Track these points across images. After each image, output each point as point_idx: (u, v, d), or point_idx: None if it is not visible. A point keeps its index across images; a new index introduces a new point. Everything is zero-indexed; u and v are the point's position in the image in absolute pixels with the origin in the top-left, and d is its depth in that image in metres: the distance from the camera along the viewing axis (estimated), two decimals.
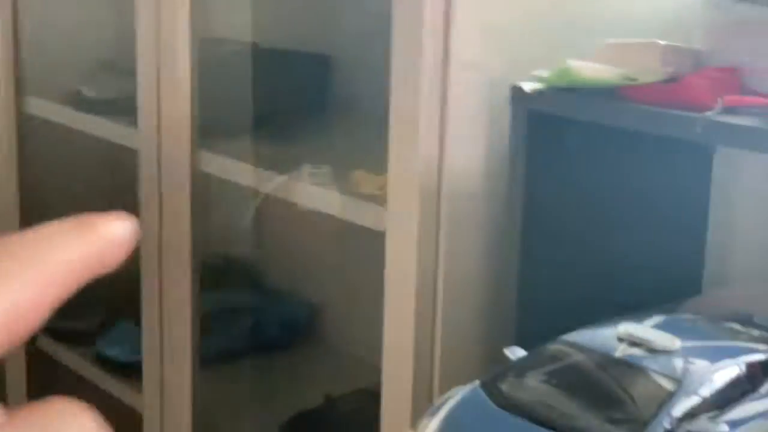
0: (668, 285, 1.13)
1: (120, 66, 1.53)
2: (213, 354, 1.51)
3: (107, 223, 0.29)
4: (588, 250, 1.13)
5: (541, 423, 0.73)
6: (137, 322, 1.57)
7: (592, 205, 1.13)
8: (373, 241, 1.14)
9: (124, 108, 1.55)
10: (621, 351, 0.77)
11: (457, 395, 0.77)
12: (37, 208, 1.83)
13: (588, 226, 1.12)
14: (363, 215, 1.20)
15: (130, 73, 1.50)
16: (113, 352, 1.69)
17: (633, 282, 1.12)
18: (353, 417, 1.25)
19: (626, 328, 0.79)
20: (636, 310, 0.87)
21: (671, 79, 0.99)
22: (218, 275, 1.57)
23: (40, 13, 1.79)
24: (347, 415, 1.32)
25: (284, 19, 1.67)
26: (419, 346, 1.10)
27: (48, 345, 1.82)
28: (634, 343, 0.78)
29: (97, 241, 0.29)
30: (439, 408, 0.76)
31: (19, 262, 0.26)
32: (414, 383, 1.11)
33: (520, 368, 0.80)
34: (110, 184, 1.79)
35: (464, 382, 0.79)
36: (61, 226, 0.28)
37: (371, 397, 1.17)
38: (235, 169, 1.43)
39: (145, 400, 1.55)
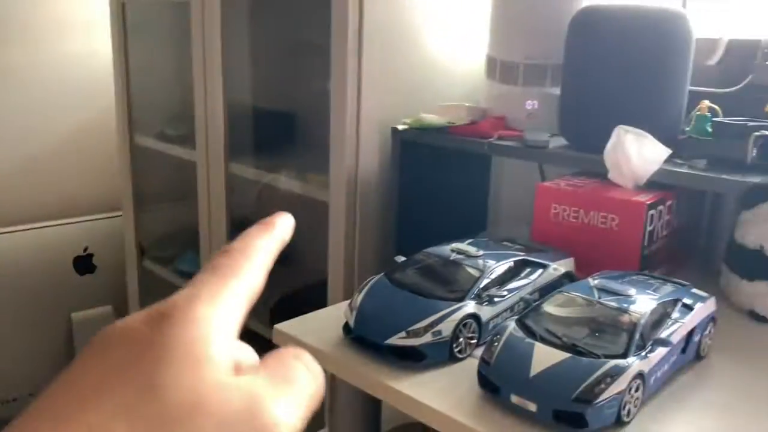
0: (472, 224, 1.21)
1: (188, 113, 1.49)
2: None
3: (282, 220, 0.30)
4: (433, 209, 1.17)
5: (414, 292, 0.72)
6: (197, 252, 1.57)
7: (434, 185, 1.17)
8: (323, 207, 1.18)
9: (188, 139, 1.54)
10: (453, 256, 0.76)
11: (373, 279, 0.76)
12: (142, 197, 1.79)
13: (432, 197, 1.17)
14: (318, 194, 1.23)
15: (192, 119, 1.50)
16: (185, 267, 1.68)
17: (455, 224, 1.18)
18: (314, 297, 1.19)
19: (455, 244, 0.79)
20: (457, 237, 0.85)
21: (471, 123, 1.06)
22: (240, 226, 1.56)
23: (138, 74, 1.74)
24: (311, 295, 1.27)
25: (269, 88, 1.64)
26: (347, 257, 1.14)
27: (149, 265, 1.82)
28: (459, 251, 0.77)
29: (281, 232, 0.29)
30: (363, 287, 0.75)
31: (252, 259, 0.25)
32: (345, 278, 1.14)
33: (403, 265, 0.78)
34: (179, 185, 1.74)
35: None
36: (260, 229, 0.28)
37: (324, 286, 1.20)
38: (248, 172, 1.45)
39: None
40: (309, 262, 1.35)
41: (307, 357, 0.23)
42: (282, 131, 1.57)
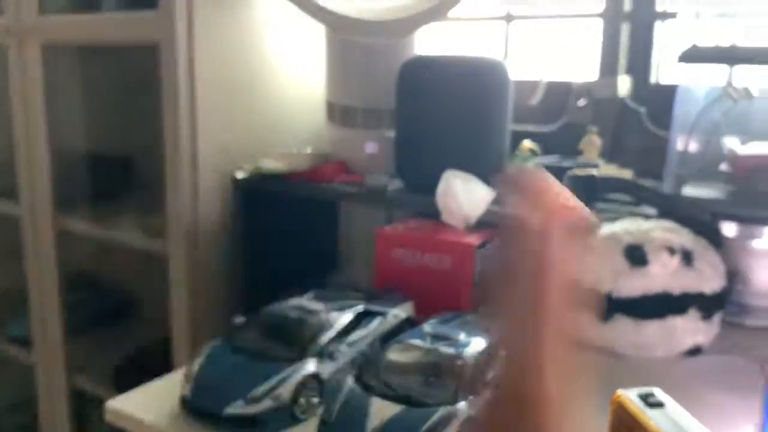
0: (324, 269, 1.22)
1: (12, 164, 1.38)
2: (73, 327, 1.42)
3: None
4: (282, 256, 1.16)
5: (253, 355, 0.72)
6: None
7: (282, 232, 1.17)
8: (165, 260, 1.15)
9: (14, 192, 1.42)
10: (293, 314, 0.77)
11: (210, 345, 0.76)
12: None
13: (280, 244, 1.16)
14: (159, 246, 1.17)
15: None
16: (18, 332, 1.54)
17: (306, 270, 1.16)
18: (161, 355, 1.16)
19: (295, 301, 0.80)
20: (302, 285, 0.86)
21: (313, 168, 1.09)
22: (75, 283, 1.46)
23: None
24: (157, 353, 1.22)
25: (104, 133, 1.54)
26: (192, 313, 1.12)
27: None
28: (300, 308, 0.78)
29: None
30: (200, 354, 0.75)
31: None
32: (190, 335, 1.12)
33: (242, 327, 0.78)
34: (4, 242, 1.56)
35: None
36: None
37: (168, 345, 1.16)
38: (81, 225, 1.35)
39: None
40: (155, 317, 1.30)
41: None
42: (119, 178, 1.50)
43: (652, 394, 0.55)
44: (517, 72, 1.09)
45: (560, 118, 1.15)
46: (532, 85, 1.21)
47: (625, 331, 0.83)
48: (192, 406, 0.72)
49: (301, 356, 0.73)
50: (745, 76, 0.91)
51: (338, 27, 1.09)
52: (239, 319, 0.80)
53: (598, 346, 0.86)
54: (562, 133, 1.13)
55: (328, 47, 1.14)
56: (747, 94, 0.90)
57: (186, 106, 1.07)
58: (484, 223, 0.94)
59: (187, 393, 0.72)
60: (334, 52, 1.14)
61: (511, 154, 1.03)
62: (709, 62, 0.87)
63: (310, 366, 0.72)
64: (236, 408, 0.69)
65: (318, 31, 1.16)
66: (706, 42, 0.90)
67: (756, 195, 0.88)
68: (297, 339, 0.74)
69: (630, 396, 0.54)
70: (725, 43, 0.91)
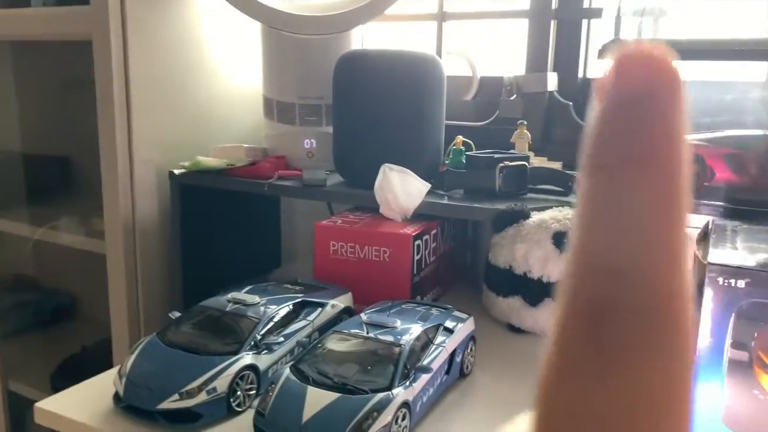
0: (265, 264, 1.20)
1: None
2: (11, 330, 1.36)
3: None
4: (222, 253, 1.15)
5: (188, 350, 0.70)
6: None
7: (221, 228, 1.14)
8: (103, 260, 1.12)
9: None
10: (229, 307, 0.75)
11: (143, 341, 0.72)
12: None
13: (220, 240, 1.14)
14: (97, 245, 1.15)
15: None
16: None
17: (247, 266, 1.16)
18: (100, 357, 1.13)
19: (232, 294, 0.78)
20: (244, 281, 0.84)
21: (251, 163, 1.06)
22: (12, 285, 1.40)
23: None
24: (95, 358, 1.20)
25: (40, 132, 1.50)
26: (131, 313, 1.09)
27: None
28: (236, 301, 0.76)
29: None
30: (134, 350, 0.72)
31: None
32: (129, 335, 1.09)
33: (177, 322, 0.75)
34: None
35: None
36: None
37: (109, 344, 1.13)
38: (16, 226, 1.30)
39: None
40: (97, 318, 1.27)
41: None
42: (57, 178, 1.45)
43: None
44: (451, 68, 1.10)
45: (493, 113, 1.16)
46: (468, 81, 1.22)
47: None
48: (125, 403, 0.69)
49: (237, 349, 0.71)
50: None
51: (273, 23, 1.07)
52: (174, 314, 0.77)
53: (527, 329, 0.87)
54: (495, 127, 1.14)
55: (265, 43, 1.12)
56: None
57: (120, 103, 1.04)
58: (421, 215, 0.94)
59: (120, 390, 0.69)
60: (270, 48, 1.12)
61: (448, 148, 1.03)
62: None
63: (247, 358, 0.71)
64: (170, 403, 0.66)
65: (255, 27, 1.14)
66: (628, 37, 0.93)
67: None
68: (233, 332, 0.72)
69: None
70: (646, 37, 0.93)
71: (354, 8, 1.02)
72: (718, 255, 0.63)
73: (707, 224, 0.75)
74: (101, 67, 1.03)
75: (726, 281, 0.60)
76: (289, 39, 1.09)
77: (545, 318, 0.86)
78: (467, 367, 0.79)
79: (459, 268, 1.11)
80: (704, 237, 0.69)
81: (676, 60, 0.16)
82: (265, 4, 1.06)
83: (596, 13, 1.09)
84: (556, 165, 1.01)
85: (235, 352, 0.70)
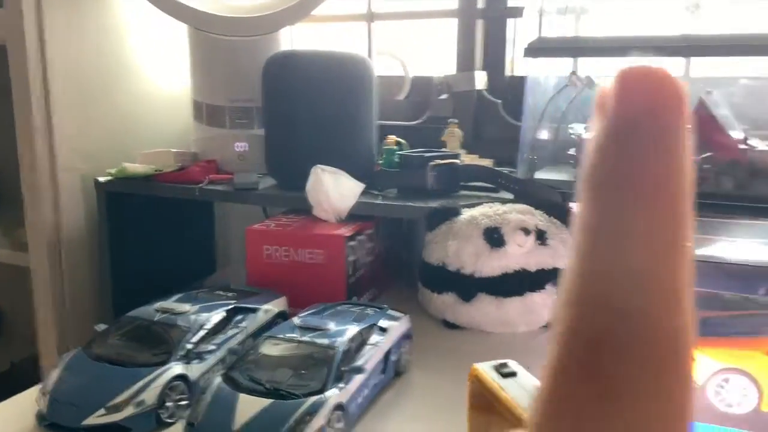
0: (199, 271, 1.17)
1: None
2: None
3: None
4: (154, 261, 1.11)
5: (115, 362, 0.68)
6: None
7: (152, 236, 1.11)
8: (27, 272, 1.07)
9: None
10: (158, 317, 0.73)
11: (67, 356, 0.70)
12: None
13: (151, 249, 1.11)
14: (20, 258, 1.11)
15: None
16: None
17: (180, 274, 1.12)
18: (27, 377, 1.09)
19: (160, 303, 0.76)
20: (177, 289, 0.81)
21: (180, 168, 1.05)
22: None
23: None
24: (23, 376, 1.14)
25: None
26: (59, 327, 1.05)
27: None
28: (165, 310, 0.74)
29: None
30: (58, 365, 0.69)
31: None
32: (58, 349, 1.05)
33: (103, 335, 0.72)
34: None
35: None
36: None
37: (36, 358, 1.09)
38: None
39: None
40: (22, 334, 1.22)
41: None
42: None
43: (505, 365, 0.56)
44: (383, 68, 1.10)
45: (426, 112, 1.17)
46: (400, 80, 1.23)
47: (488, 310, 0.86)
48: (49, 422, 0.66)
49: (166, 360, 0.68)
50: (595, 65, 0.96)
51: (200, 25, 1.05)
52: (100, 327, 0.74)
53: (462, 324, 0.88)
54: (427, 126, 1.15)
55: (192, 46, 1.10)
56: (589, 82, 0.95)
57: (39, 109, 1.00)
58: (355, 216, 0.94)
59: (43, 408, 0.66)
60: (198, 50, 1.10)
61: (379, 148, 1.04)
62: (552, 55, 0.92)
63: (176, 368, 0.69)
64: (96, 418, 0.64)
65: (182, 30, 1.11)
66: (551, 35, 0.95)
67: None
68: (161, 342, 0.70)
69: (485, 368, 0.55)
70: (569, 35, 0.96)
71: (281, 9, 1.01)
72: None
73: None
74: (17, 73, 0.99)
75: None
76: (217, 41, 1.07)
77: (479, 313, 0.87)
78: (403, 365, 0.80)
79: (396, 267, 1.11)
80: None
81: (680, 80, 0.15)
82: (191, 6, 1.04)
83: (520, 12, 1.12)
84: (487, 162, 1.03)
85: (164, 363, 0.68)
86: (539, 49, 0.89)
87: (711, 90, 0.89)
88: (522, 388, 0.52)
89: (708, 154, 0.87)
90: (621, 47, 0.93)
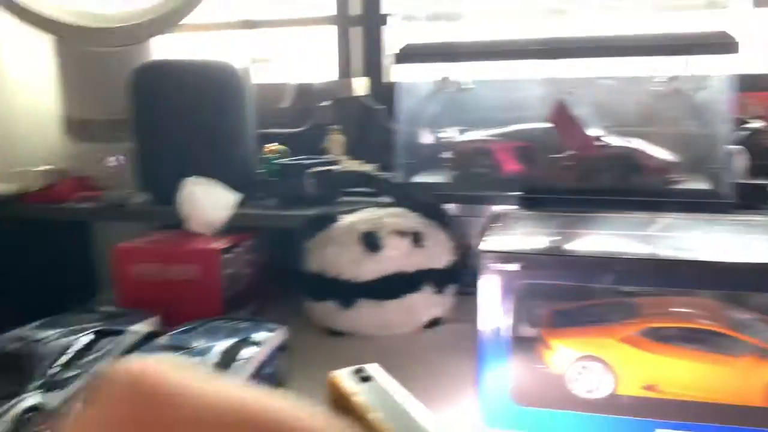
0: (78, 294, 1.10)
1: None
2: None
3: None
4: (24, 288, 1.03)
5: None
6: None
7: (19, 262, 1.03)
8: None
9: None
10: (10, 346, 0.69)
11: None
12: None
13: (19, 275, 1.03)
14: None
15: None
16: None
17: (55, 300, 1.05)
18: None
19: (15, 332, 0.72)
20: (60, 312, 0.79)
21: (47, 187, 0.99)
22: None
23: None
24: None
25: None
26: None
27: None
28: (19, 339, 0.70)
29: None
30: None
31: None
32: None
33: None
34: None
35: None
36: None
37: None
38: None
39: None
40: None
41: None
42: None
43: (362, 370, 0.56)
44: (266, 76, 1.09)
45: (309, 120, 1.16)
46: (283, 88, 1.22)
47: (368, 314, 0.86)
48: None
49: (21, 390, 0.65)
50: (468, 70, 0.99)
51: (66, 36, 1.00)
52: None
53: (345, 330, 0.88)
54: (311, 133, 1.15)
55: (59, 59, 1.05)
56: (458, 86, 0.98)
57: None
58: (233, 227, 0.92)
59: None
60: (65, 63, 1.05)
61: (260, 157, 1.02)
62: (420, 61, 0.93)
63: (30, 400, 0.65)
64: None
65: (46, 43, 1.06)
66: (420, 41, 0.97)
67: (474, 177, 0.95)
68: (15, 372, 0.66)
69: (343, 374, 0.55)
70: (438, 41, 0.98)
71: (148, 19, 0.98)
72: (492, 242, 0.67)
73: (493, 215, 0.79)
74: None
75: (500, 265, 0.64)
76: (85, 53, 1.03)
77: (360, 318, 0.87)
78: (281, 377, 0.78)
79: (282, 277, 1.10)
80: (488, 227, 0.74)
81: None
82: (56, 18, 0.99)
83: (384, 19, 1.13)
84: (368, 167, 1.03)
85: (17, 394, 0.63)
86: (407, 55, 0.91)
87: (572, 90, 0.93)
88: (376, 391, 0.52)
89: (570, 152, 0.91)
90: (488, 51, 0.96)
